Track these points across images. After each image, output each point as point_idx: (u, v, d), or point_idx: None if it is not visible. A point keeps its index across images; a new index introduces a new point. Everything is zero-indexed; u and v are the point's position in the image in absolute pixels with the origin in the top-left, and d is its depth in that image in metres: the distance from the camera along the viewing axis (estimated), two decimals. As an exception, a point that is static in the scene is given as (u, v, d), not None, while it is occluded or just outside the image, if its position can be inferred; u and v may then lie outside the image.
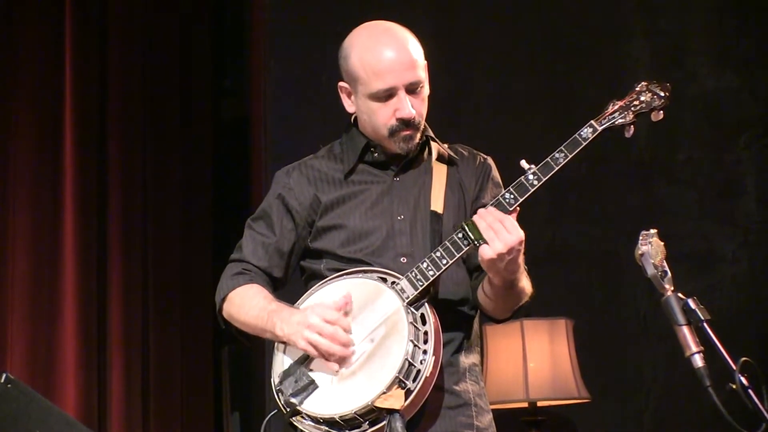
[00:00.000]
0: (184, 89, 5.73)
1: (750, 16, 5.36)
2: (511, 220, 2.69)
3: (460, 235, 2.73)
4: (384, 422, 2.64)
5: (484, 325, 4.65)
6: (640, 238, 2.50)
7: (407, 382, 2.65)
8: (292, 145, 4.91)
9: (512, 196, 2.74)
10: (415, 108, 2.85)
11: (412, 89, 2.85)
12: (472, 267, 2.90)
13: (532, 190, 2.75)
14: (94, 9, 5.60)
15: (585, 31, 5.32)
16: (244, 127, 5.73)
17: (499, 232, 2.66)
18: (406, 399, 2.64)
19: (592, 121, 2.80)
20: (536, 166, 2.76)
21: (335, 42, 2.95)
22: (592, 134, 2.78)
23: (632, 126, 2.84)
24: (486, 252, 2.66)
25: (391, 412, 2.63)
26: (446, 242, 2.75)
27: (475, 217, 2.71)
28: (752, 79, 5.31)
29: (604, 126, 2.80)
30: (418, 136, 2.90)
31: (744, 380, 2.33)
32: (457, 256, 2.74)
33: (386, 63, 2.82)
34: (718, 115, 5.31)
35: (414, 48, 2.86)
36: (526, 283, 2.83)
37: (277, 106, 5.14)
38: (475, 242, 2.69)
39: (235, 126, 5.90)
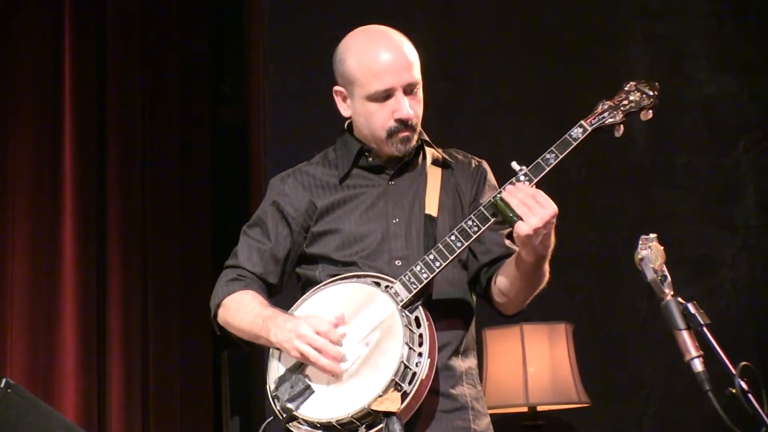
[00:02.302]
0: (183, 94, 5.74)
1: (749, 20, 5.36)
2: (543, 194, 2.69)
3: (491, 212, 2.72)
4: (381, 425, 2.64)
5: (484, 330, 4.69)
6: (640, 242, 2.49)
7: (403, 385, 2.65)
8: (291, 150, 4.90)
9: None
10: (413, 109, 2.86)
11: (409, 90, 2.86)
12: (484, 261, 2.89)
13: None
14: (92, 15, 5.60)
15: (584, 36, 5.32)
16: (243, 131, 5.74)
17: (533, 207, 2.66)
18: (402, 401, 2.64)
19: (582, 121, 2.81)
20: (527, 167, 2.76)
21: (334, 47, 2.95)
22: (583, 134, 2.78)
23: (622, 126, 2.84)
24: (522, 228, 2.66)
25: (387, 415, 2.63)
26: (439, 245, 2.75)
27: (504, 195, 2.70)
28: (751, 83, 5.32)
29: (594, 126, 2.80)
30: (415, 138, 2.91)
31: (744, 384, 2.33)
32: (451, 258, 2.74)
33: (384, 64, 2.84)
34: (718, 119, 5.31)
35: (410, 50, 2.88)
36: (547, 267, 2.82)
37: (276, 111, 5.14)
38: (510, 219, 2.68)
39: (233, 131, 5.90)
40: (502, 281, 2.84)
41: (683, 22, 5.35)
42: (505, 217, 2.69)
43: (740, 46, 5.34)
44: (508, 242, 2.91)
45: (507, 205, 2.69)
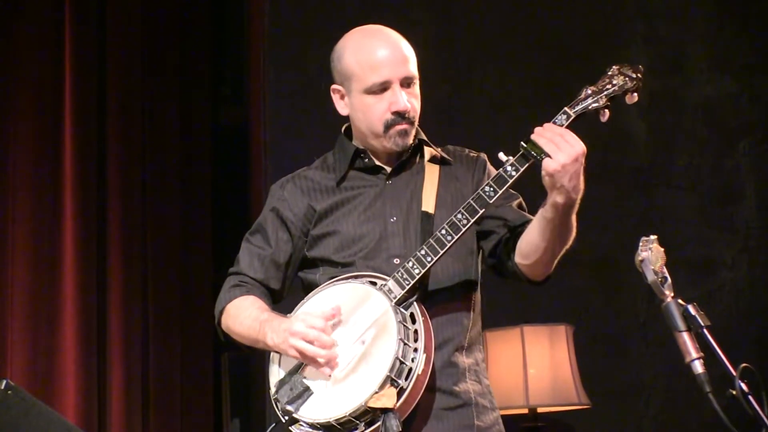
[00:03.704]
0: (183, 96, 5.73)
1: (749, 21, 5.36)
2: (571, 134, 2.71)
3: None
4: (380, 422, 2.65)
5: (484, 331, 4.67)
6: (640, 244, 2.49)
7: (399, 381, 2.66)
8: (291, 152, 4.91)
9: (492, 189, 2.77)
10: (410, 103, 2.88)
11: (406, 83, 2.89)
12: (502, 232, 2.89)
13: (511, 181, 2.77)
14: (92, 16, 5.60)
15: (584, 36, 5.32)
16: (243, 134, 5.73)
17: (561, 144, 2.68)
18: (399, 397, 2.66)
19: (566, 108, 2.82)
20: (513, 157, 2.77)
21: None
22: (566, 120, 2.79)
23: (607, 110, 2.84)
24: (550, 165, 2.67)
25: (385, 411, 2.64)
26: (431, 239, 2.76)
27: (533, 136, 2.72)
28: (751, 84, 5.32)
29: (578, 112, 2.81)
30: (413, 132, 2.92)
31: (744, 386, 2.33)
32: (441, 252, 2.75)
33: (381, 57, 2.87)
34: (718, 120, 5.31)
35: (406, 46, 2.92)
36: (574, 219, 2.81)
37: (276, 113, 5.14)
38: (538, 157, 2.69)
39: (234, 133, 5.89)
40: (527, 242, 2.82)
41: (684, 23, 5.35)
42: (535, 154, 2.70)
43: (740, 48, 5.34)
44: (520, 211, 2.92)
45: (535, 144, 2.71)
